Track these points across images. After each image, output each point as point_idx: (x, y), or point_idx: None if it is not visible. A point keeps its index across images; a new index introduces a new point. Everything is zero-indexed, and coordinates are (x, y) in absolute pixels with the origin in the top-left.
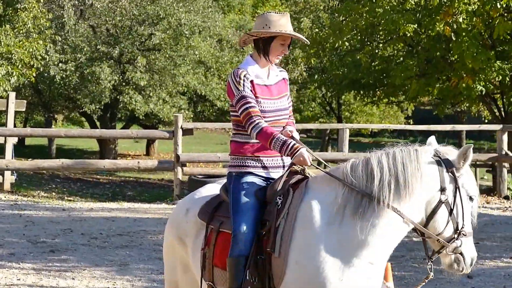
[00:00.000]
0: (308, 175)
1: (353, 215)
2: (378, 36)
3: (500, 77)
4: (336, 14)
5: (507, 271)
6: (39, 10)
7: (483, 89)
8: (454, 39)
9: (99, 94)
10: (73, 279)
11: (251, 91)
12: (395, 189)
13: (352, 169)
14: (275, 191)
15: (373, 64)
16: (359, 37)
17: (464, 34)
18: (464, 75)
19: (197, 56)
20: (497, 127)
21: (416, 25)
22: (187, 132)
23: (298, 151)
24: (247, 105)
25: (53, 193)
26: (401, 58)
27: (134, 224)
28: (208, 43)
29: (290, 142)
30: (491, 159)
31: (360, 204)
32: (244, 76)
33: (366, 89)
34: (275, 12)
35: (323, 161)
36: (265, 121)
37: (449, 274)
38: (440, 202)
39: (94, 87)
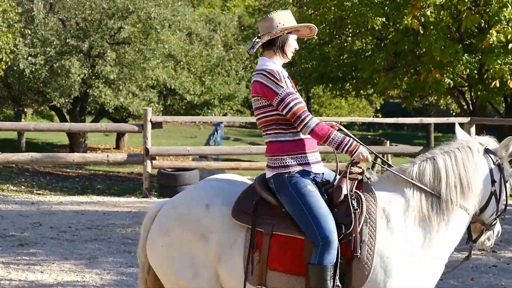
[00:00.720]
0: (367, 177)
1: (426, 217)
2: (347, 29)
3: (468, 70)
4: (305, 8)
5: (474, 263)
6: (8, 4)
7: (451, 82)
8: (422, 32)
9: (68, 87)
10: (41, 272)
11: (291, 87)
12: (460, 189)
13: (420, 171)
14: (345, 195)
15: (342, 57)
16: (327, 31)
17: (432, 27)
18: (432, 68)
19: (167, 49)
20: (464, 119)
21: (384, 18)
22: (156, 125)
23: (358, 148)
24: (296, 101)
25: (22, 187)
26: (370, 52)
27: (103, 217)
28: (178, 36)
29: (349, 140)
30: None
31: (432, 206)
32: (281, 72)
33: (335, 82)
34: (278, 11)
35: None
36: None
37: (480, 250)
38: (491, 194)
39: (63, 81)
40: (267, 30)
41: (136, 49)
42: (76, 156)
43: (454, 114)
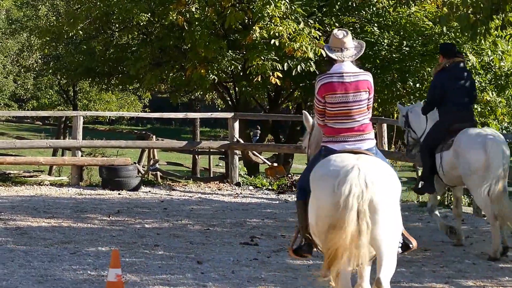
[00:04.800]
0: None
1: None
2: (113, 24)
3: (232, 66)
4: (71, 2)
5: (235, 257)
6: None
7: (216, 78)
8: (187, 28)
9: None
10: None
11: None
12: None
13: None
14: None
15: (108, 52)
16: (93, 26)
17: (196, 23)
18: (197, 64)
19: None
20: (228, 115)
21: (150, 14)
22: None
23: None
24: None
25: None
26: (136, 47)
27: None
28: None
29: None
30: (223, 146)
31: None
32: None
33: (101, 77)
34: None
35: None
36: None
37: None
38: None
39: None
40: (354, 43)
41: None
42: None
43: (219, 109)
